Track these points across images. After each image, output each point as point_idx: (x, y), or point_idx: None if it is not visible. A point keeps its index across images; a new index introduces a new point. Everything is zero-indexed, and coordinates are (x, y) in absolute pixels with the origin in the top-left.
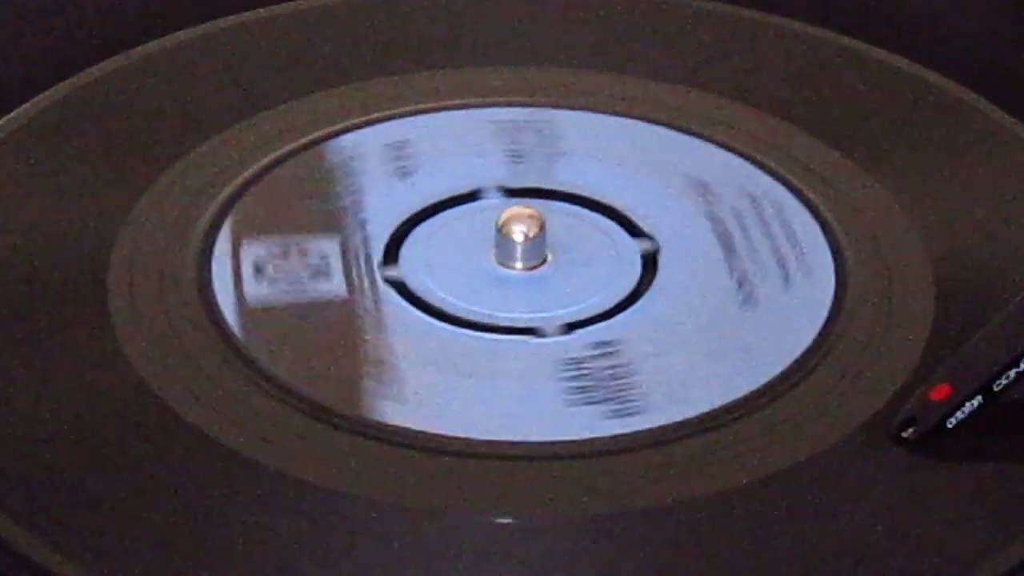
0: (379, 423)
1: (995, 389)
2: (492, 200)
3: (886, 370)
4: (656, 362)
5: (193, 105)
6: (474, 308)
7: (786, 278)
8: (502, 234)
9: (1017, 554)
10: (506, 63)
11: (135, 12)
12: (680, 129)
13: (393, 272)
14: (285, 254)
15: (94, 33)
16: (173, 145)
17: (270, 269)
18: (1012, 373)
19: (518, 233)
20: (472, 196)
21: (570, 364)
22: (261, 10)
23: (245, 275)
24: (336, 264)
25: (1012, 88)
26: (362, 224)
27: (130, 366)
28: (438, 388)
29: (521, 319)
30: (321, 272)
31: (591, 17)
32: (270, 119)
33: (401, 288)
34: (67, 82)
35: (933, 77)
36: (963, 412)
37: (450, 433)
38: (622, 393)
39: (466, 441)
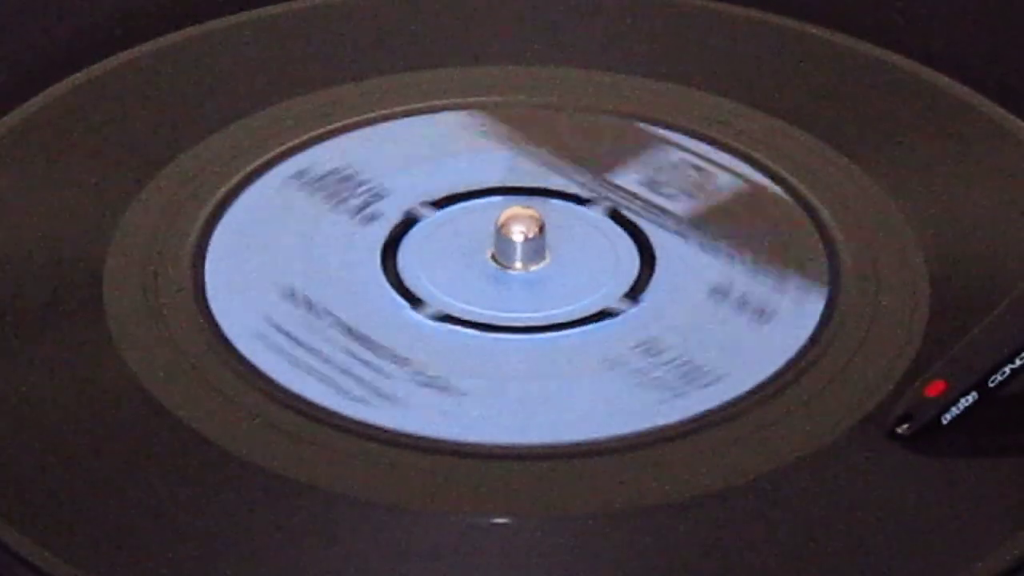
0: (377, 424)
1: (990, 385)
2: (492, 200)
3: (882, 367)
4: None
5: (190, 104)
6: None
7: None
8: (502, 234)
9: (1013, 550)
10: (506, 63)
11: (134, 12)
12: (680, 129)
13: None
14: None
15: (92, 33)
16: (169, 144)
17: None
18: (1007, 369)
19: (518, 233)
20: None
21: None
22: (261, 10)
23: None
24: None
25: (1011, 87)
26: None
27: (125, 366)
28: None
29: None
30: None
31: (591, 17)
32: (268, 118)
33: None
34: (65, 82)
35: (932, 76)
36: (958, 408)
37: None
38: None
39: (465, 442)
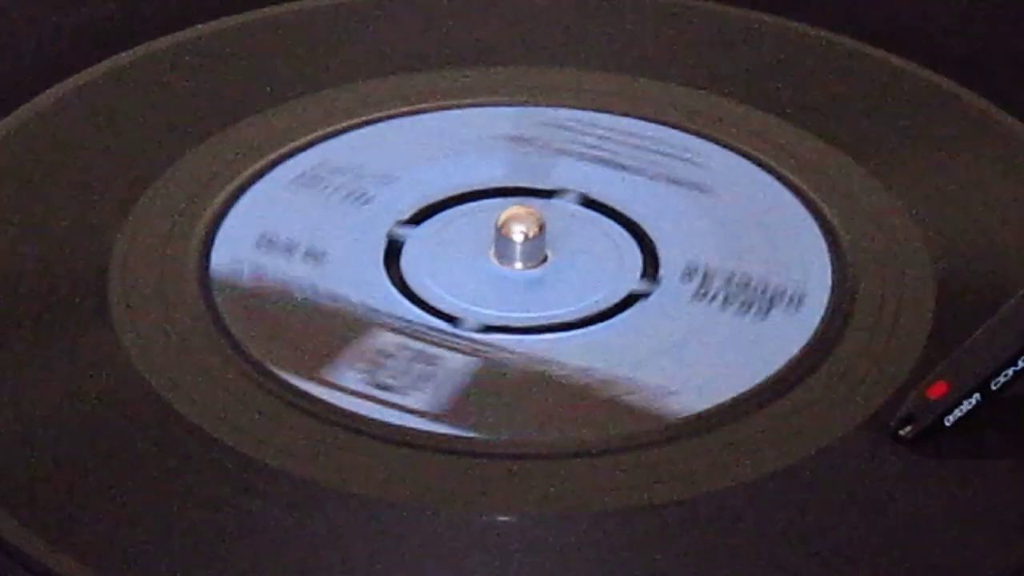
0: (379, 422)
1: (993, 387)
2: (492, 200)
3: (886, 369)
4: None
5: (193, 104)
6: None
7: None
8: (502, 234)
9: (1016, 553)
10: (507, 63)
11: (134, 12)
12: (680, 129)
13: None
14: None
15: (94, 33)
16: (172, 144)
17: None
18: (1010, 371)
19: (518, 233)
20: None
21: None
22: (261, 10)
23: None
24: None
25: (1013, 87)
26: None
27: (130, 365)
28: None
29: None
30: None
31: (592, 17)
32: (270, 118)
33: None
34: (66, 82)
35: (933, 77)
36: (961, 410)
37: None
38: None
39: (466, 440)
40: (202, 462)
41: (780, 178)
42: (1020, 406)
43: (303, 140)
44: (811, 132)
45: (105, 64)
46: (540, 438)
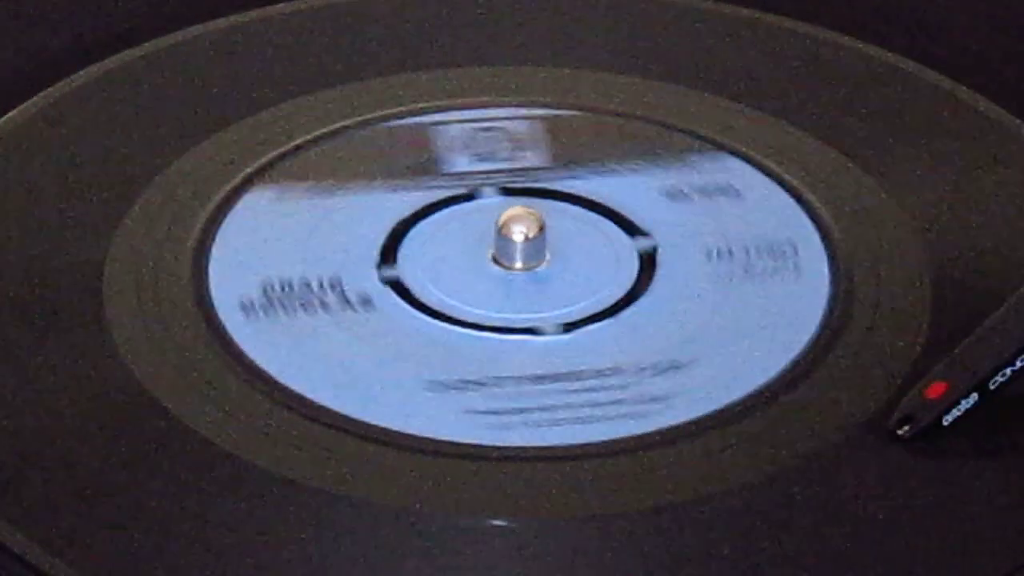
0: (377, 425)
1: (991, 387)
2: (492, 200)
3: (884, 369)
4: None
5: (191, 105)
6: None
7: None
8: (502, 234)
9: (1015, 553)
10: (506, 63)
11: (134, 12)
12: (680, 129)
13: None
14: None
15: (94, 33)
16: (170, 146)
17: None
18: (1008, 371)
19: (518, 233)
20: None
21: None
22: (261, 10)
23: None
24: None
25: (1012, 87)
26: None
27: (126, 367)
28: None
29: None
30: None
31: (591, 17)
32: (268, 119)
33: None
34: (65, 82)
35: (933, 76)
36: (959, 410)
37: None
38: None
39: (465, 443)
40: (197, 465)
41: (778, 178)
42: (1018, 406)
43: (301, 140)
44: (809, 132)
45: (102, 66)
46: (539, 440)
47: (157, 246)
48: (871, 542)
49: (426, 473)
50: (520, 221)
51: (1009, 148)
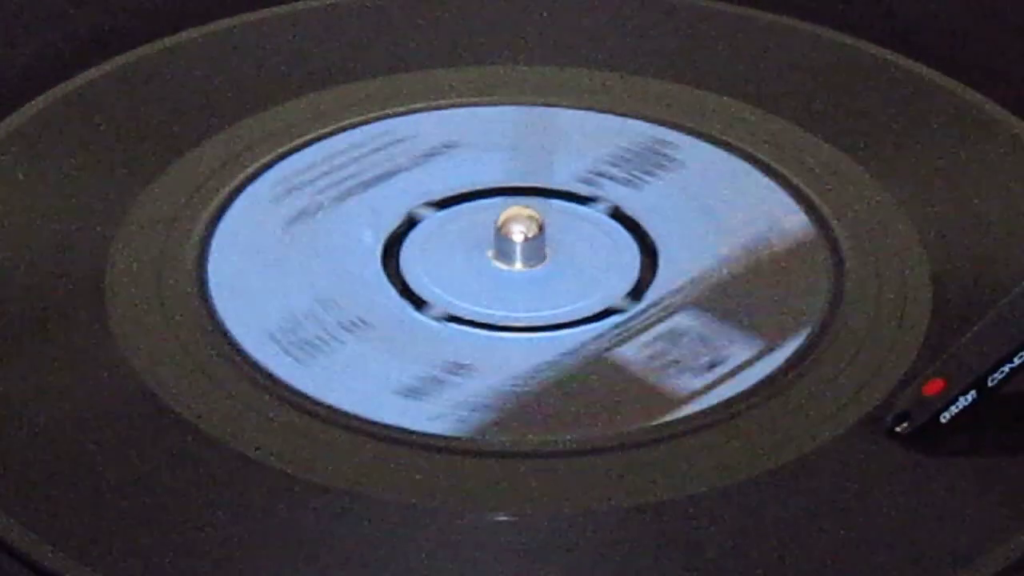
0: (379, 422)
1: (989, 384)
2: (492, 200)
3: (883, 366)
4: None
5: (191, 105)
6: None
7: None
8: (502, 234)
9: (1012, 549)
10: (506, 63)
11: (135, 12)
12: (680, 129)
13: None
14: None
15: (94, 33)
16: (171, 145)
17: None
18: (1006, 368)
19: (518, 233)
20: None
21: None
22: (261, 10)
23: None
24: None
25: (1011, 86)
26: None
27: (128, 366)
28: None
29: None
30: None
31: (591, 17)
32: (269, 118)
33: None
34: (67, 82)
35: (933, 76)
36: (957, 407)
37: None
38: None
39: (466, 440)
40: (199, 462)
41: (778, 177)
42: (1016, 403)
43: (300, 141)
44: (810, 131)
45: (101, 67)
46: (540, 438)
47: (159, 246)
48: (869, 539)
49: (426, 470)
50: (520, 221)
51: (1009, 148)
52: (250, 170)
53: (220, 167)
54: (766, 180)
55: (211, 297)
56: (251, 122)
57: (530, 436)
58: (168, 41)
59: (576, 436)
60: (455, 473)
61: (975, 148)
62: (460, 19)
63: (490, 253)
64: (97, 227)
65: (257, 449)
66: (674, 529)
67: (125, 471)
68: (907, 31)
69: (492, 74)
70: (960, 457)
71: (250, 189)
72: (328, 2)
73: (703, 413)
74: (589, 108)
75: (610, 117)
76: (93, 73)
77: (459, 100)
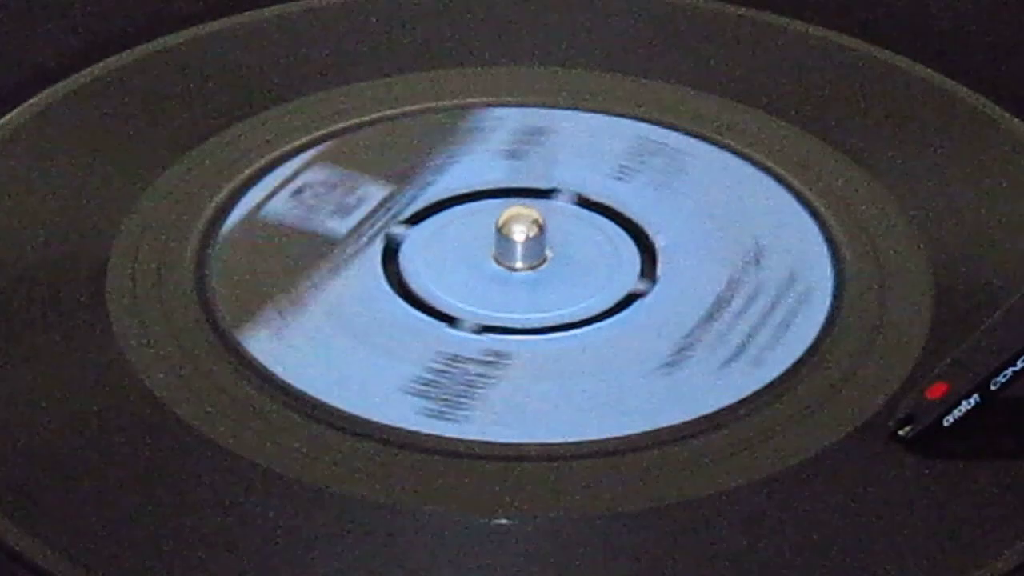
0: (377, 423)
1: (992, 388)
2: (492, 200)
3: (884, 370)
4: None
5: (192, 105)
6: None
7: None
8: (502, 234)
9: (1015, 554)
10: (506, 63)
11: (135, 12)
12: (680, 129)
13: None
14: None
15: (94, 33)
16: (171, 145)
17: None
18: (1009, 372)
19: (518, 233)
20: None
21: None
22: (261, 10)
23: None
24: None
25: (1012, 87)
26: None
27: (129, 365)
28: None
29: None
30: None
31: (591, 17)
32: (270, 119)
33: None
34: (67, 82)
35: (933, 76)
36: (960, 411)
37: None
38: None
39: (465, 441)
40: (199, 463)
41: (778, 178)
42: (1019, 407)
43: (300, 141)
44: (809, 132)
45: (102, 66)
46: (540, 439)
47: (159, 246)
48: (872, 543)
49: (426, 471)
50: (520, 221)
51: (1010, 149)
52: (251, 170)
53: (221, 167)
54: (767, 181)
55: (211, 297)
56: (251, 123)
57: (530, 437)
58: (169, 40)
59: (577, 438)
60: (452, 474)
61: (976, 150)
62: (460, 20)
63: (490, 253)
64: (98, 227)
65: (254, 449)
66: (674, 533)
67: (124, 471)
68: (907, 32)
69: (492, 75)
70: (963, 460)
71: (251, 189)
72: (328, 2)
73: (705, 416)
74: (589, 109)
75: (610, 118)
76: (93, 72)
77: (459, 101)
